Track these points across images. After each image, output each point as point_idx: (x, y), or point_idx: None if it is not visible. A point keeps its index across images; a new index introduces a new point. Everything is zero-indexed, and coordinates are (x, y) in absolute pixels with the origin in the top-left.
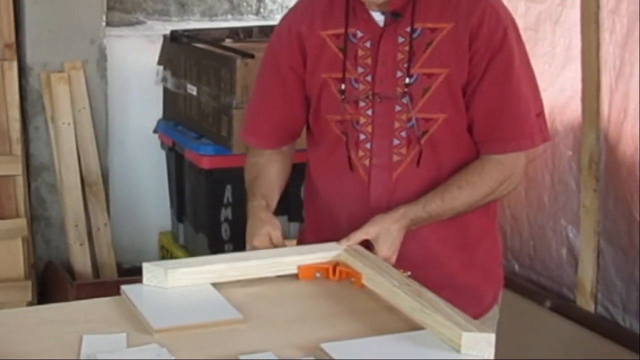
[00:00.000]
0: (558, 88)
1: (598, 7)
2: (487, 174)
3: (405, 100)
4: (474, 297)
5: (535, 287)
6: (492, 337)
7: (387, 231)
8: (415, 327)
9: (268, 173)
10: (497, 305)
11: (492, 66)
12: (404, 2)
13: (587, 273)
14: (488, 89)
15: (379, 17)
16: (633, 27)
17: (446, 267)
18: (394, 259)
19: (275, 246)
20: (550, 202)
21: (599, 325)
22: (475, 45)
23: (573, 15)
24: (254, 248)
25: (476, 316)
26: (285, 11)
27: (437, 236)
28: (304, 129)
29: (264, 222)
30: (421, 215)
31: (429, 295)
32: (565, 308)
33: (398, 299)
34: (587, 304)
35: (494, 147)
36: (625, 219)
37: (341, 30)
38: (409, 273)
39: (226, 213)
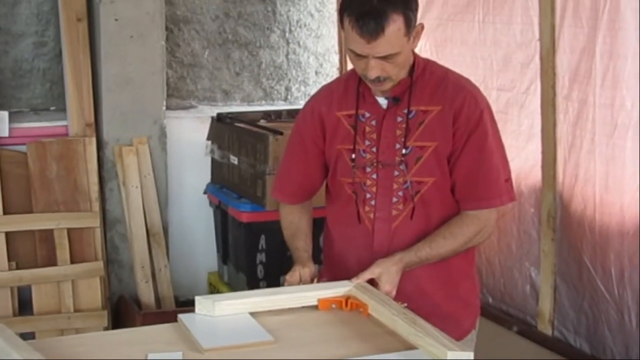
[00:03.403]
0: (523, 158)
1: (554, 94)
2: (465, 227)
3: (402, 166)
4: (456, 323)
5: (504, 316)
6: (471, 355)
7: (388, 271)
8: (410, 347)
9: (303, 228)
10: (474, 330)
11: (470, 140)
12: (403, 90)
13: (545, 304)
14: (467, 159)
15: (382, 101)
16: (582, 110)
17: (434, 299)
18: (393, 293)
19: (301, 281)
20: (516, 248)
21: (556, 346)
22: (457, 124)
23: (535, 101)
24: (286, 280)
25: (458, 338)
26: (307, 98)
27: (427, 275)
28: (321, 189)
29: (302, 265)
30: (413, 259)
31: (421, 322)
32: (529, 332)
33: (397, 325)
34: (546, 329)
35: (471, 204)
36: (576, 262)
37: (353, 112)
38: (406, 304)
39: (261, 257)
